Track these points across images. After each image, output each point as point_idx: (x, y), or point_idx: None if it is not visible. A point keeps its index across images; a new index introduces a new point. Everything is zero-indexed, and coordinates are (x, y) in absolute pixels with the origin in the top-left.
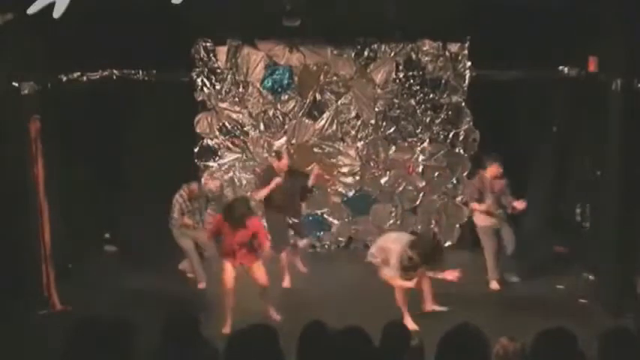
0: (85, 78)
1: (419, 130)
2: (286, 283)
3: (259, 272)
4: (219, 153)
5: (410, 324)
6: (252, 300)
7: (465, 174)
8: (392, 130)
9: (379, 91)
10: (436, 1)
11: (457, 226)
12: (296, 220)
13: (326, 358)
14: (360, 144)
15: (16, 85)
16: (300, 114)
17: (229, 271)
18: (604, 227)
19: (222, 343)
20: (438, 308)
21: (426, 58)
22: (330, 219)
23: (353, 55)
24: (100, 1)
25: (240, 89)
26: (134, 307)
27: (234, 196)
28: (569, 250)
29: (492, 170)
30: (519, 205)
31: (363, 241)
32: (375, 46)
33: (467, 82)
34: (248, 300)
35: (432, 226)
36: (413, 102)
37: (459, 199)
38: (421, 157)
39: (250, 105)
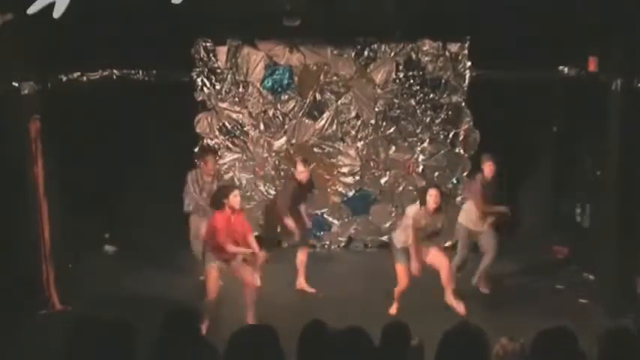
0: (85, 78)
1: (419, 130)
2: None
3: (246, 271)
4: (219, 153)
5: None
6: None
7: (465, 174)
8: (392, 130)
9: (379, 91)
10: (436, 1)
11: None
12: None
13: (326, 358)
14: (360, 144)
15: (16, 85)
16: (300, 114)
17: (214, 276)
18: (604, 227)
19: (222, 343)
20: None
21: (426, 58)
22: (330, 219)
23: (353, 55)
24: (100, 1)
25: (240, 89)
26: (134, 307)
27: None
28: (569, 250)
29: (488, 168)
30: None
31: (363, 241)
32: (375, 46)
33: (467, 82)
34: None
35: None
36: (413, 102)
37: (459, 199)
38: (421, 157)
39: (250, 105)
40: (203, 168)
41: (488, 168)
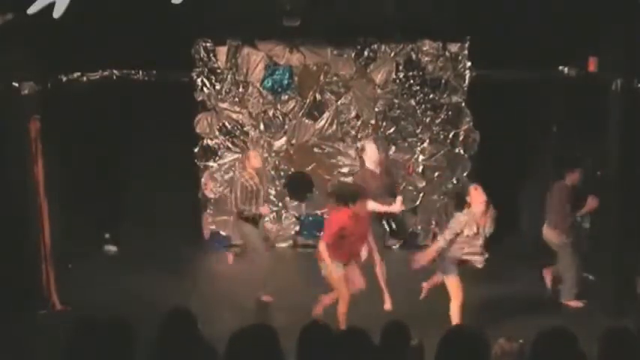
0: (85, 78)
1: (419, 130)
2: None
3: (355, 272)
4: (219, 153)
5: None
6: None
7: (465, 174)
8: (392, 130)
9: (379, 91)
10: (436, 1)
11: None
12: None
13: (326, 358)
14: (360, 144)
15: (16, 85)
16: (300, 114)
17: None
18: (604, 227)
19: (222, 343)
20: None
21: (426, 58)
22: None
23: (353, 55)
24: (100, 1)
25: (240, 89)
26: (134, 307)
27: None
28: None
29: (574, 177)
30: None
31: None
32: (375, 46)
33: (467, 82)
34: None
35: (433, 226)
36: (413, 102)
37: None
38: (421, 157)
39: (250, 105)
40: (245, 163)
41: (575, 175)
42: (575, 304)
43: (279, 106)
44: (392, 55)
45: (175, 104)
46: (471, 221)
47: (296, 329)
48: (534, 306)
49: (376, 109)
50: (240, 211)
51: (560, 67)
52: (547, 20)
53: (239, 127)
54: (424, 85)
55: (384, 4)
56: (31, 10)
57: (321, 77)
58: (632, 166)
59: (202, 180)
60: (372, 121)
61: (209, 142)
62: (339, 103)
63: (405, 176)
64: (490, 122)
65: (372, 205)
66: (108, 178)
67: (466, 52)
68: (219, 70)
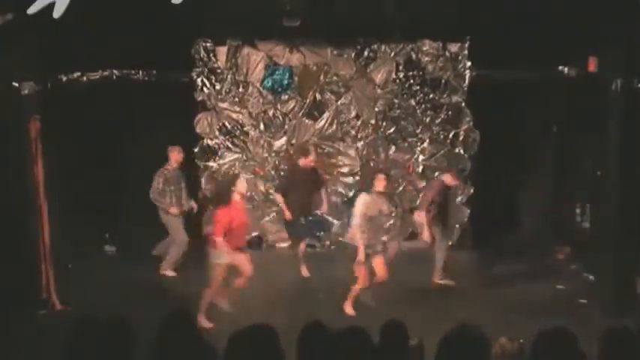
0: (85, 78)
1: (419, 130)
2: (304, 271)
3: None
4: (219, 153)
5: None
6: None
7: (465, 174)
8: (392, 130)
9: (379, 91)
10: (436, 1)
11: (457, 226)
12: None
13: (326, 358)
14: (360, 144)
15: (16, 85)
16: (300, 114)
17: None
18: (604, 227)
19: (222, 343)
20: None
21: (426, 58)
22: (330, 219)
23: (353, 55)
24: (100, 1)
25: (240, 89)
26: (134, 307)
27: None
28: (569, 250)
29: (448, 179)
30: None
31: None
32: (375, 46)
33: (467, 82)
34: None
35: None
36: (413, 102)
37: (459, 199)
38: (421, 157)
39: (250, 105)
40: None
41: (451, 178)
42: (444, 282)
43: (279, 106)
44: (392, 55)
45: (175, 104)
46: (372, 203)
47: (296, 329)
48: (535, 306)
49: (376, 109)
50: (155, 200)
51: (560, 67)
52: (547, 20)
53: (239, 127)
54: (424, 85)
55: (384, 4)
56: (31, 10)
57: (321, 77)
58: (632, 166)
59: (202, 180)
60: (372, 121)
61: (209, 142)
62: (339, 103)
63: (405, 176)
64: (490, 122)
65: (279, 199)
66: (108, 178)
67: (466, 52)
68: (219, 70)
